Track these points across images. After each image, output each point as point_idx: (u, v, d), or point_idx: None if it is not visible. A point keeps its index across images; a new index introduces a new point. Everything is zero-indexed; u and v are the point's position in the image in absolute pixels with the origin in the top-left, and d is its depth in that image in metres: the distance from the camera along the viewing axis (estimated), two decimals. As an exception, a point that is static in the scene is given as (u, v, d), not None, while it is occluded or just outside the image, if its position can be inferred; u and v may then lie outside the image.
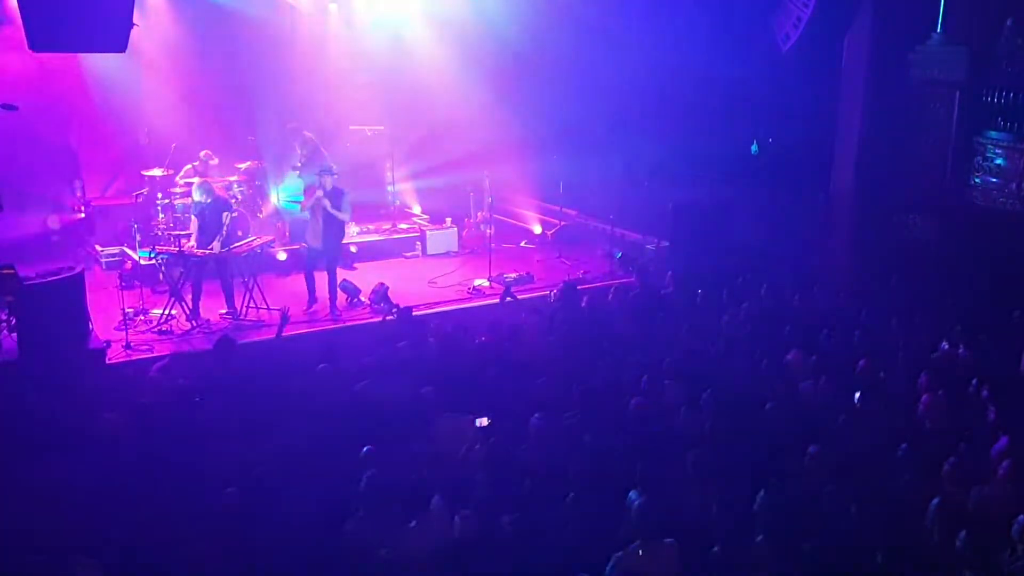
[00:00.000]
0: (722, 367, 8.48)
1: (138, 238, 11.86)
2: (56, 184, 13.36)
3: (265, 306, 10.71)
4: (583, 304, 10.44)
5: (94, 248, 12.90)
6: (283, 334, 9.39)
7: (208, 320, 10.47)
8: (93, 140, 13.42)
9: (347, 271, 12.42)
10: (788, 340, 9.04)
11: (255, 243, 11.29)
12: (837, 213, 13.01)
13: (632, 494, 5.82)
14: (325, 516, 5.82)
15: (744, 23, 12.61)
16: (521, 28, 14.02)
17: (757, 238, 12.51)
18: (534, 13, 13.88)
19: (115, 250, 12.60)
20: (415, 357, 8.73)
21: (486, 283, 12.10)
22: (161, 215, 12.25)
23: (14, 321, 9.00)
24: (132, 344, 9.65)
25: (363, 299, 11.31)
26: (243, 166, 13.26)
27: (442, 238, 14.15)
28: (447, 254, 13.97)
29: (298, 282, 11.49)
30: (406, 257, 13.90)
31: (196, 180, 11.30)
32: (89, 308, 9.63)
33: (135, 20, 8.78)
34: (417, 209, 15.19)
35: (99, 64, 12.69)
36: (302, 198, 12.12)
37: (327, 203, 10.79)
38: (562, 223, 14.81)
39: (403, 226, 14.54)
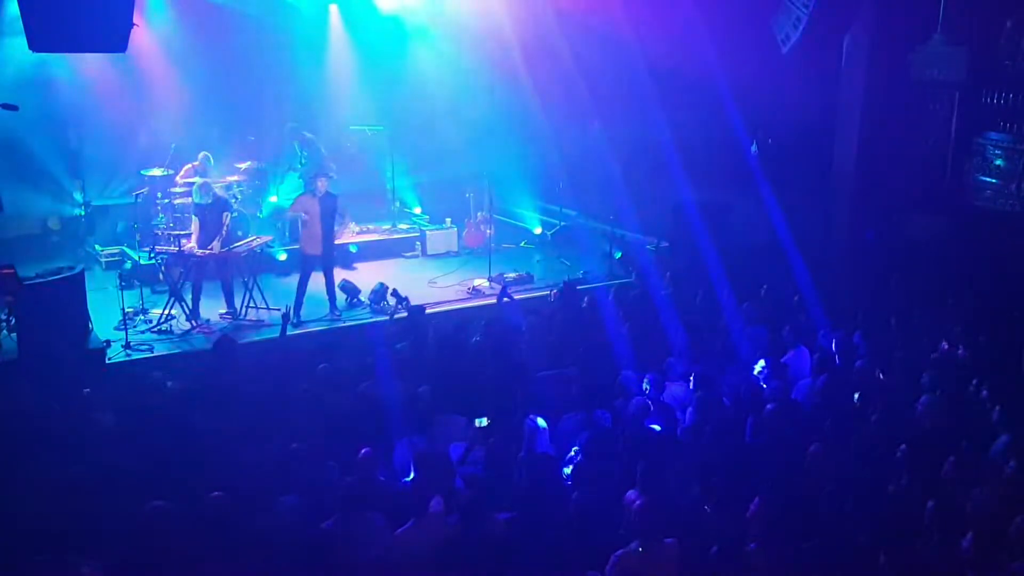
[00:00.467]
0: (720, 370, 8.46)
1: (138, 238, 11.86)
2: (56, 184, 13.36)
3: (265, 306, 10.72)
4: (583, 304, 10.43)
5: (94, 248, 12.90)
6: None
7: (208, 320, 10.47)
8: (93, 140, 13.40)
9: (347, 271, 12.42)
10: (788, 340, 9.05)
11: (255, 243, 11.30)
12: (837, 213, 13.00)
13: (632, 494, 5.82)
14: (325, 516, 5.82)
15: (744, 23, 12.59)
16: (521, 27, 14.02)
17: (757, 238, 12.50)
18: (534, 12, 13.88)
19: (115, 250, 12.61)
20: (414, 357, 8.72)
21: (486, 283, 12.09)
22: (161, 215, 12.25)
23: (14, 321, 9.00)
24: (132, 344, 9.65)
25: (363, 299, 11.31)
26: (243, 166, 13.25)
27: (442, 238, 14.14)
28: (447, 254, 13.97)
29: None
30: (406, 257, 13.90)
31: (196, 180, 11.30)
32: (89, 308, 9.62)
33: (135, 20, 8.77)
34: (417, 209, 15.22)
35: (99, 64, 12.69)
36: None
37: (305, 217, 10.72)
38: (562, 223, 14.83)
39: (403, 226, 14.54)
